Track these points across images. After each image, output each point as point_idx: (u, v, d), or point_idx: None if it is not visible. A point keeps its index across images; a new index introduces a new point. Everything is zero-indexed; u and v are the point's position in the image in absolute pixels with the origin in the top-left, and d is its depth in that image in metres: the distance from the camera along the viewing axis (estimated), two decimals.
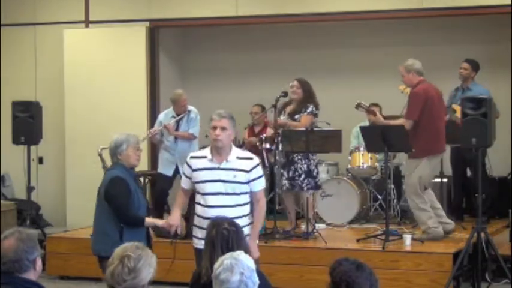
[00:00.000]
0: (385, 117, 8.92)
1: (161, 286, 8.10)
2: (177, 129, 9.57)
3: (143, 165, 10.75)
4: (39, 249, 4.12)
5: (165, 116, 9.73)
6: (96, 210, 6.42)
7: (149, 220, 6.28)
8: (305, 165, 9.04)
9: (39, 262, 4.09)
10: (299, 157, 9.02)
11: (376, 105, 10.05)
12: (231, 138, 5.95)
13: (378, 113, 8.91)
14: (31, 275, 4.04)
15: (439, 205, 8.86)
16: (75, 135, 11.45)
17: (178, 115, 9.55)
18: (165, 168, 9.62)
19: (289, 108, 9.13)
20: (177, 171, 9.58)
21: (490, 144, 8.16)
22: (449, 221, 8.92)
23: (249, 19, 11.26)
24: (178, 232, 6.27)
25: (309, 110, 9.01)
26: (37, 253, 4.08)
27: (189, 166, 6.00)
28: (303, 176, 9.00)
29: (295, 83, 9.14)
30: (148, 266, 3.88)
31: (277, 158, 9.00)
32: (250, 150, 10.03)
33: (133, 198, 6.13)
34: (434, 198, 8.82)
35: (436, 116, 8.58)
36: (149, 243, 6.25)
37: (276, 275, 7.76)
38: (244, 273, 3.80)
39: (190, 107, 9.64)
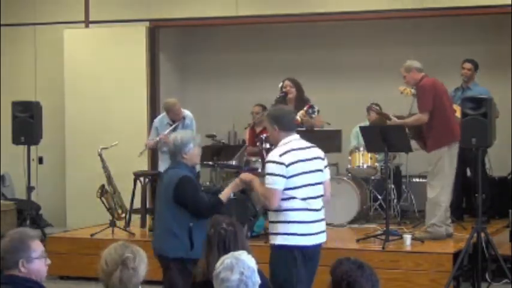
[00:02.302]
0: (397, 117, 8.89)
1: (161, 286, 8.10)
2: None
3: (143, 165, 10.75)
4: (30, 253, 4.03)
5: (160, 122, 9.66)
6: (161, 210, 6.20)
7: (225, 193, 6.13)
8: None
9: (28, 265, 4.02)
10: None
11: (376, 105, 10.05)
12: (272, 136, 6.05)
13: (391, 115, 8.85)
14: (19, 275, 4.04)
15: (448, 208, 8.85)
16: (75, 135, 11.45)
17: (173, 122, 9.53)
18: (164, 169, 9.60)
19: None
20: None
21: (490, 144, 8.15)
22: (450, 224, 8.93)
23: (249, 19, 11.26)
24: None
25: (317, 108, 9.00)
26: (23, 255, 4.01)
27: None
28: None
29: (288, 82, 9.14)
30: (143, 260, 3.91)
31: None
32: (252, 153, 10.10)
33: (203, 195, 6.07)
34: (449, 200, 8.83)
35: (446, 105, 8.63)
36: None
37: None
38: (244, 273, 3.80)
39: (185, 112, 9.59)
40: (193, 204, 5.97)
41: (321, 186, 5.96)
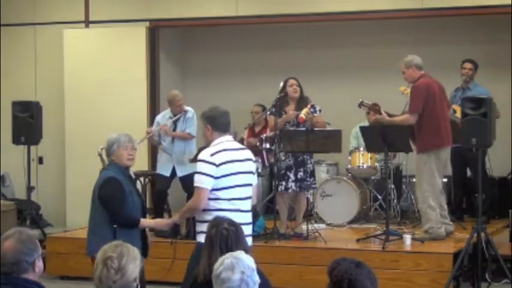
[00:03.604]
0: (388, 115, 8.89)
1: (161, 286, 8.12)
2: (174, 129, 9.60)
3: (143, 165, 10.75)
4: (40, 250, 4.10)
5: (163, 117, 9.76)
6: (90, 211, 6.35)
7: (144, 222, 6.18)
8: (311, 165, 9.04)
9: (39, 264, 4.07)
10: (308, 157, 9.00)
11: (375, 105, 10.04)
12: (205, 136, 6.01)
13: (382, 111, 8.85)
14: (30, 276, 4.04)
15: (445, 207, 8.87)
16: (75, 135, 11.46)
17: (175, 115, 9.58)
18: (162, 169, 9.65)
19: (290, 109, 9.10)
20: (174, 172, 9.59)
21: (490, 144, 8.16)
22: (450, 222, 8.94)
23: (249, 19, 11.26)
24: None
25: (318, 108, 9.01)
26: (36, 255, 4.06)
27: None
28: (309, 175, 8.99)
29: (295, 81, 9.12)
30: (133, 260, 3.87)
31: (283, 159, 8.98)
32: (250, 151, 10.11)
33: (128, 199, 6.07)
34: (443, 199, 8.84)
35: (439, 109, 8.59)
36: (145, 244, 6.22)
37: (276, 275, 7.74)
38: (245, 272, 3.80)
39: (187, 108, 9.66)
40: (110, 207, 6.06)
41: (250, 188, 5.97)
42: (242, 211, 5.87)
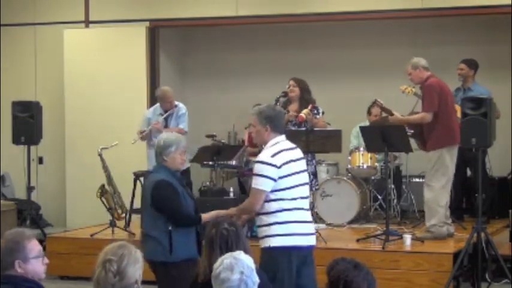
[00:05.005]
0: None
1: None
2: (166, 126, 9.58)
3: (143, 165, 10.73)
4: (25, 252, 4.03)
5: (153, 112, 9.73)
6: (143, 215, 6.21)
7: (204, 216, 5.92)
8: (313, 166, 9.05)
9: (24, 265, 4.02)
10: (309, 158, 9.00)
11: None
12: (259, 135, 5.86)
13: (394, 111, 8.86)
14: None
15: (447, 208, 8.86)
16: (75, 135, 11.46)
17: (166, 111, 9.56)
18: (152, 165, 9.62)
19: (292, 107, 9.13)
20: None
21: (490, 144, 8.15)
22: (452, 224, 8.93)
23: (249, 19, 11.26)
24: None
25: (321, 110, 9.04)
26: (17, 255, 4.01)
27: None
28: (311, 176, 8.99)
29: (292, 82, 9.20)
30: (134, 263, 3.83)
31: None
32: (252, 153, 10.11)
33: (182, 201, 5.89)
34: (447, 199, 8.85)
35: (450, 107, 8.65)
36: (199, 248, 6.02)
37: None
38: (244, 272, 3.81)
39: (177, 103, 9.64)
40: (167, 209, 5.85)
41: (307, 186, 5.95)
42: (304, 210, 5.85)
